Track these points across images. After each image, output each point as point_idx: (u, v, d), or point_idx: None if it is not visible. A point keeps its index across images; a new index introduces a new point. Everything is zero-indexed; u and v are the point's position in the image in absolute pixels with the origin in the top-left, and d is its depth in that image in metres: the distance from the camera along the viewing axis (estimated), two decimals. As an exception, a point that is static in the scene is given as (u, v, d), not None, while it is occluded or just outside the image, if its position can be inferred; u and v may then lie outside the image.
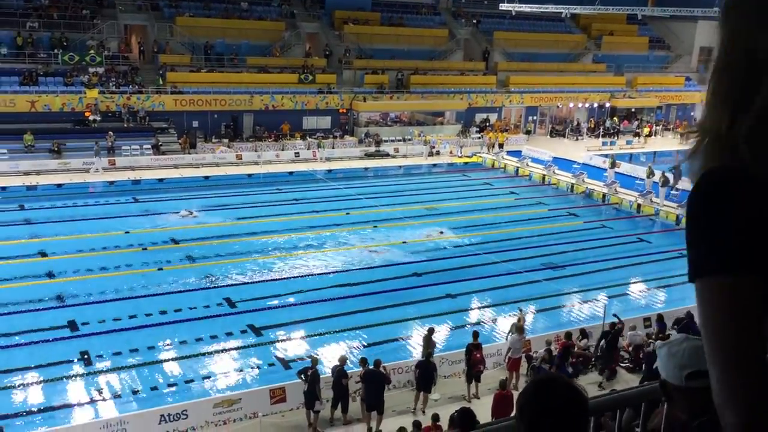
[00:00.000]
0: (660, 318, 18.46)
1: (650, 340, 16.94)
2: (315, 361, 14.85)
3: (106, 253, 23.98)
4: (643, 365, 16.28)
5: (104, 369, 16.58)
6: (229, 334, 18.64)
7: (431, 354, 15.70)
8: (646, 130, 51.40)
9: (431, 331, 16.71)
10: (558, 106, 53.53)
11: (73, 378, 16.17)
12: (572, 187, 36.31)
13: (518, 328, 16.78)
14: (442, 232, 28.12)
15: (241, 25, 45.67)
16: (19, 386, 15.66)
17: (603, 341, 17.01)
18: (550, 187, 37.29)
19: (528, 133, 50.79)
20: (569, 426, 1.79)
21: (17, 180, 32.21)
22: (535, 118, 52.75)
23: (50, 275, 21.99)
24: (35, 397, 15.41)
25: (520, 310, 18.12)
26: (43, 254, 23.69)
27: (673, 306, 20.87)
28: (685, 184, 33.36)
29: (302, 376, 14.49)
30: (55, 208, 28.98)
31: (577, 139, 50.49)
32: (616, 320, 17.71)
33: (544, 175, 38.11)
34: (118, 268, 22.80)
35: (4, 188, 31.09)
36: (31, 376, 16.05)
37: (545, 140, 49.85)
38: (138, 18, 44.51)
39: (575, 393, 1.84)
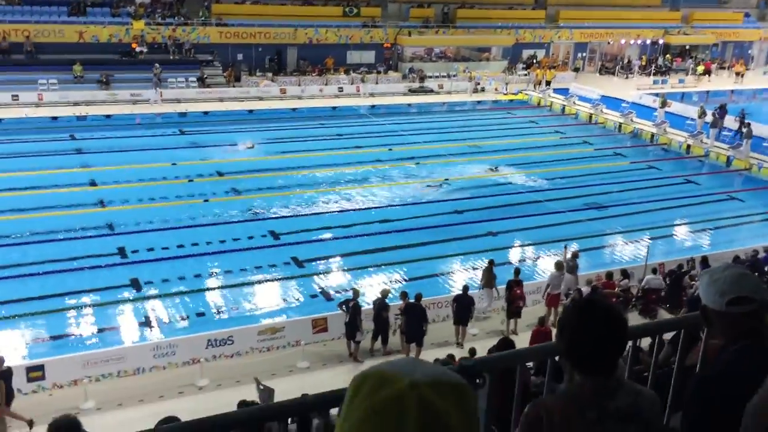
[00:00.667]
0: (704, 260, 18.23)
1: (693, 282, 16.77)
2: (356, 294, 15.13)
3: (153, 184, 24.50)
4: (685, 308, 16.16)
5: (153, 295, 17.17)
6: (273, 266, 19.07)
7: (465, 289, 15.84)
8: (701, 69, 49.62)
9: (491, 263, 16.89)
10: (609, 43, 51.91)
11: (124, 303, 16.81)
12: (620, 126, 35.51)
13: (557, 265, 16.80)
14: (496, 168, 27.97)
15: (285, -44, 44.92)
16: (72, 309, 16.35)
17: (642, 281, 16.99)
18: (597, 126, 36.54)
19: (576, 70, 49.51)
20: (607, 345, 1.85)
21: (67, 110, 32.83)
22: (584, 54, 51.31)
23: (101, 204, 22.64)
24: (88, 319, 16.08)
25: (566, 248, 18.06)
26: (94, 183, 24.33)
27: (719, 248, 20.63)
28: (731, 123, 32.44)
29: (343, 307, 14.82)
30: (104, 139, 29.55)
31: (627, 77, 49.09)
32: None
33: (591, 113, 37.30)
34: (165, 199, 23.33)
35: (55, 118, 31.76)
36: (85, 300, 16.73)
37: (594, 78, 48.59)
38: (183, -52, 44.12)
39: (614, 314, 1.90)
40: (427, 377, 1.09)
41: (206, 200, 23.53)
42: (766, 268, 18.13)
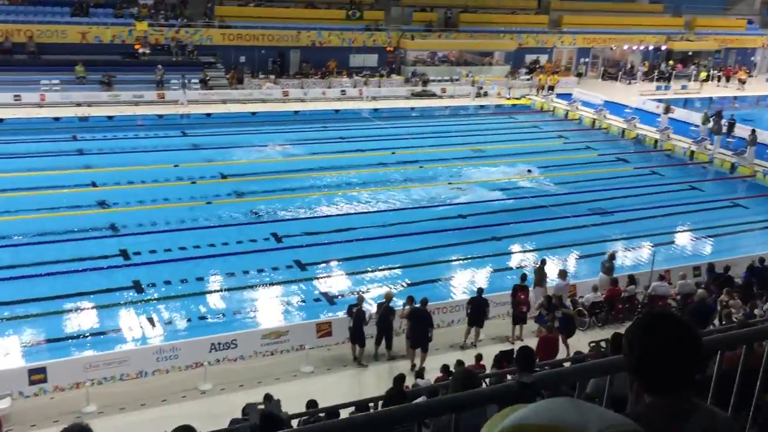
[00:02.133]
0: (711, 267, 18.15)
1: (699, 289, 16.66)
2: (361, 299, 15.02)
3: (156, 186, 24.41)
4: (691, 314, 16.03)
5: (155, 297, 17.05)
6: (276, 269, 18.94)
7: (480, 292, 15.73)
8: (703, 75, 49.55)
9: (543, 262, 17.18)
10: (611, 48, 51.87)
11: (127, 305, 16.67)
12: (623, 132, 35.44)
13: (561, 273, 16.72)
14: (530, 171, 28.25)
15: (289, -41, 44.89)
16: (74, 311, 16.22)
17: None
18: (601, 132, 36.46)
19: (579, 75, 49.48)
20: (683, 362, 1.74)
21: (70, 111, 32.71)
22: (587, 60, 51.27)
23: (102, 205, 22.52)
24: (91, 322, 15.95)
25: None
26: (95, 184, 24.22)
27: (723, 255, 20.47)
28: (739, 132, 32.35)
29: (349, 313, 14.70)
30: (106, 140, 29.46)
31: (630, 83, 49.03)
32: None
33: (595, 119, 37.23)
34: (167, 201, 23.22)
35: (57, 119, 31.65)
36: (87, 302, 16.58)
37: (597, 83, 48.54)
38: (186, -51, 44.08)
39: (686, 329, 1.79)
40: (606, 429, 0.92)
41: (209, 202, 23.40)
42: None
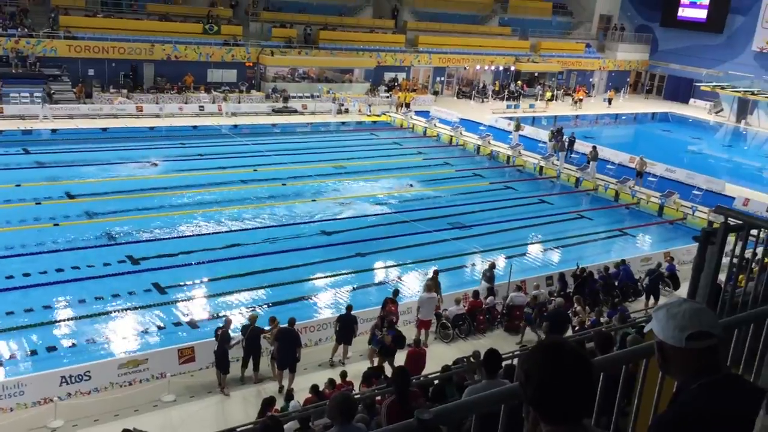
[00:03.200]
0: (561, 276, 19.20)
1: (552, 298, 17.58)
2: (229, 322, 14.53)
3: (-6, 207, 22.55)
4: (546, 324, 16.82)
5: (-4, 330, 15.65)
6: (132, 293, 17.99)
7: (348, 309, 15.67)
8: (548, 95, 52.79)
9: (436, 273, 17.62)
10: (465, 68, 54.04)
11: (-38, 339, 15.19)
12: (479, 148, 36.91)
13: (428, 287, 16.98)
14: (411, 185, 29.25)
15: (141, -31, 43.26)
16: None
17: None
18: (457, 148, 37.77)
19: (436, 93, 51.12)
20: (580, 391, 1.75)
21: None
22: (442, 78, 53.09)
23: (-68, 230, 20.49)
24: None
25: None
26: (-77, 207, 22.02)
27: (571, 265, 21.66)
28: (580, 148, 34.67)
29: (216, 336, 14.18)
30: (-65, 158, 26.89)
31: (483, 101, 51.27)
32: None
33: (452, 136, 38.54)
34: (8, 223, 21.52)
35: None
36: None
37: (452, 101, 50.37)
38: (26, -45, 41.33)
39: (581, 357, 1.80)
40: None
41: (56, 224, 21.89)
42: (616, 283, 19.40)
